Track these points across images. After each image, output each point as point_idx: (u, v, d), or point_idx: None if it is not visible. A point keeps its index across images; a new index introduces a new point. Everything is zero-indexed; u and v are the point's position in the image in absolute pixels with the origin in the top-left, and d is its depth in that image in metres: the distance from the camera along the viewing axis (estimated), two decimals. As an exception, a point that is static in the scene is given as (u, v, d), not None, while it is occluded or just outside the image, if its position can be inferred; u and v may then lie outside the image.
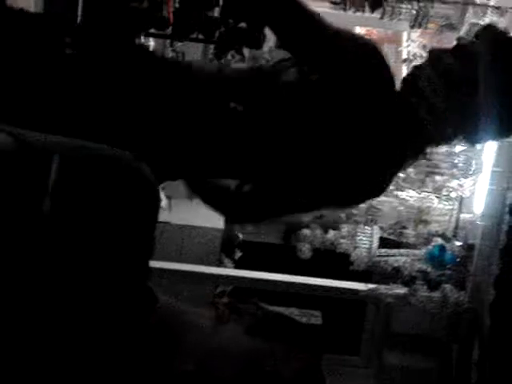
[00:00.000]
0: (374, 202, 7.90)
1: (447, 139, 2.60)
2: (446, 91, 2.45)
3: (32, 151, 1.53)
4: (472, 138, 2.56)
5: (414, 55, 7.78)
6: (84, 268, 1.52)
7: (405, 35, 8.07)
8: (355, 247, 8.02)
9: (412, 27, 7.30)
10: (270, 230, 9.20)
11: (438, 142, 2.61)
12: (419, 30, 7.59)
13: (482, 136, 2.54)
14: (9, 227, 1.44)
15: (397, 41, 8.14)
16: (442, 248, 7.57)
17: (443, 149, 7.60)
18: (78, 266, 1.51)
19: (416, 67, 2.59)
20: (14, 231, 1.44)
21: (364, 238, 7.99)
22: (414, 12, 7.17)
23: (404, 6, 7.21)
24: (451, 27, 7.23)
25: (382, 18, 7.34)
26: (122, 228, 1.56)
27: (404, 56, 7.95)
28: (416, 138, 2.49)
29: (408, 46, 7.95)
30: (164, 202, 7.34)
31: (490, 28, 2.55)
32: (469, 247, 7.58)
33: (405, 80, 2.56)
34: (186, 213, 7.63)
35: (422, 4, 7.10)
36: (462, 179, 7.69)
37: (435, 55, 2.52)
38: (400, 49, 8.11)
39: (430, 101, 2.47)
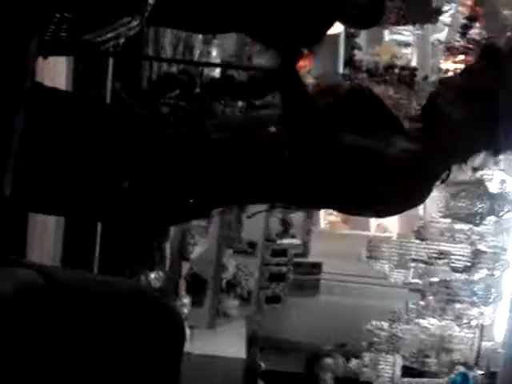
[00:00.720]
0: (395, 330, 7.91)
1: (472, 151, 2.69)
2: (462, 106, 2.58)
3: (60, 288, 1.59)
4: (493, 147, 2.66)
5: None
6: None
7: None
8: (378, 376, 7.98)
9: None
10: (292, 358, 9.18)
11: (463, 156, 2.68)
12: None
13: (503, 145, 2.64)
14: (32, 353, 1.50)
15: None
16: (464, 376, 7.52)
17: (462, 277, 7.65)
18: None
19: (432, 92, 2.71)
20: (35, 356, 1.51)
21: (386, 367, 7.95)
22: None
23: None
24: None
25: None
26: (150, 363, 1.62)
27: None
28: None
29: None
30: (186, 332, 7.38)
31: (491, 46, 2.70)
32: (491, 375, 7.52)
33: (425, 105, 2.67)
34: (208, 342, 7.65)
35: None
36: (482, 307, 7.69)
37: (446, 78, 2.67)
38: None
39: (451, 117, 2.59)
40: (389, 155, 2.49)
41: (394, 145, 2.51)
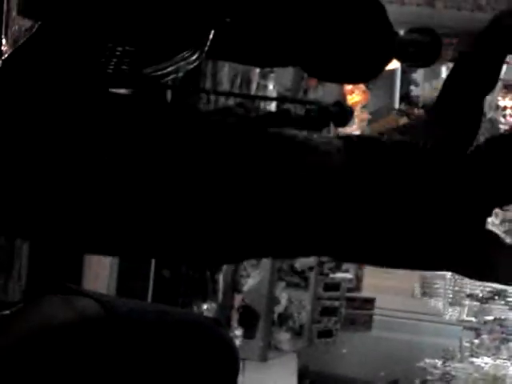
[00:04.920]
0: (449, 368, 7.83)
1: None
2: None
3: (118, 318, 1.61)
4: None
5: None
6: None
7: None
8: (430, 414, 7.89)
9: None
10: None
11: None
12: None
13: None
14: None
15: None
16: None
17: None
18: None
19: None
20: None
21: (439, 405, 7.86)
22: None
23: None
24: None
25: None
26: None
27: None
28: None
29: None
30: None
31: None
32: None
33: None
34: (259, 375, 7.64)
35: None
36: (538, 347, 7.59)
37: None
38: None
39: None
40: None
41: None
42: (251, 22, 3.23)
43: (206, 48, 2.74)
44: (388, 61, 4.01)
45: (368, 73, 3.82)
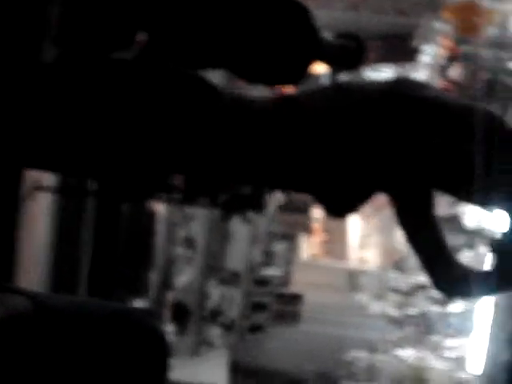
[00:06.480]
0: (374, 360, 8.05)
1: None
2: None
3: (48, 313, 1.67)
4: None
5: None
6: None
7: None
8: (357, 406, 8.08)
9: None
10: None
11: None
12: None
13: None
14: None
15: None
16: (441, 407, 7.62)
17: (439, 309, 7.82)
18: None
19: None
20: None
21: (365, 397, 8.05)
22: None
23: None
24: None
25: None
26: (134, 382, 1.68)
27: None
28: None
29: None
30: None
31: None
32: (467, 405, 7.64)
33: None
34: (191, 370, 7.72)
35: None
36: (459, 339, 7.82)
37: None
38: None
39: None
40: None
41: None
42: (178, 27, 3.38)
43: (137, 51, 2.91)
44: (310, 63, 4.18)
45: (293, 75, 3.99)
